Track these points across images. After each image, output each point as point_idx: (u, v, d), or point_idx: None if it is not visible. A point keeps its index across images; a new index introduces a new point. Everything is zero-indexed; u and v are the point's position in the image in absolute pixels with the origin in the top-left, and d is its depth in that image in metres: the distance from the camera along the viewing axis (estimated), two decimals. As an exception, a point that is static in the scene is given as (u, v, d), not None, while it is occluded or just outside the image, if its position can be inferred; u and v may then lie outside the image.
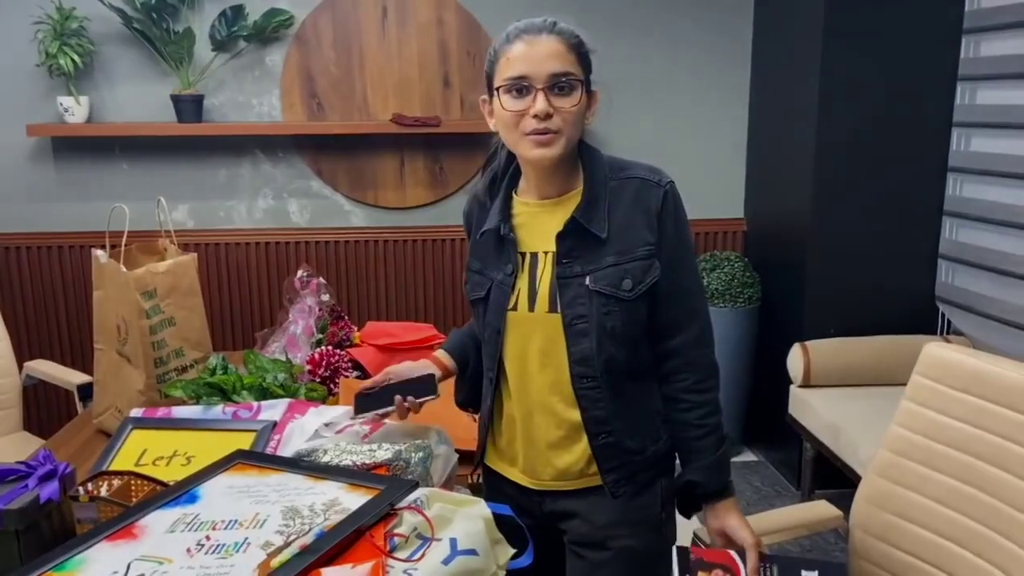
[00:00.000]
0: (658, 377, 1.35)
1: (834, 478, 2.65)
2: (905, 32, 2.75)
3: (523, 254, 1.33)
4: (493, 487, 1.44)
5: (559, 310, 1.28)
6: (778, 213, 3.17)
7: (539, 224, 1.31)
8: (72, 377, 2.37)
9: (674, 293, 1.30)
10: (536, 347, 1.30)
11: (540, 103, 1.21)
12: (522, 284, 1.31)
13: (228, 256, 3.18)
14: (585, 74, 1.25)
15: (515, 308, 1.31)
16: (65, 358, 3.10)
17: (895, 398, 2.67)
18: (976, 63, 2.73)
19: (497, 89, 1.24)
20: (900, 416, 1.50)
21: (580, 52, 1.24)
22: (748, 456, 3.31)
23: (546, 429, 1.33)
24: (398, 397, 1.34)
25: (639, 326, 1.30)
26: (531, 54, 1.21)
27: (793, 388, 2.83)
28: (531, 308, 1.30)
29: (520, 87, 1.22)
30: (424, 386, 1.36)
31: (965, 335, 2.80)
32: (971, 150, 2.77)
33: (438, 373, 1.40)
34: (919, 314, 2.93)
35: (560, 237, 1.28)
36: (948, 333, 2.90)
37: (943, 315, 2.92)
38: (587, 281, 1.26)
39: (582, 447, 1.32)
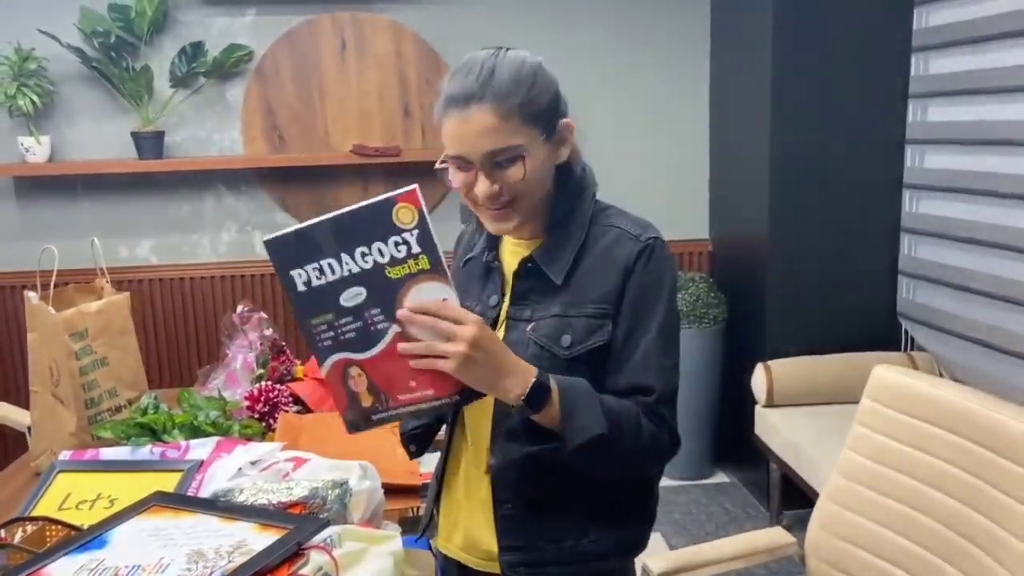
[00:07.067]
0: None
1: (803, 498, 2.63)
2: (856, 51, 2.77)
3: None
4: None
5: None
6: (739, 233, 3.17)
7: (511, 263, 1.21)
8: (24, 418, 2.35)
9: (625, 365, 1.12)
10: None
11: (481, 185, 1.09)
12: None
13: (193, 290, 3.18)
14: (538, 127, 1.10)
15: None
16: (21, 399, 3.07)
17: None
18: (926, 80, 2.74)
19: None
20: (851, 440, 1.48)
21: (524, 111, 1.08)
22: (719, 477, 3.29)
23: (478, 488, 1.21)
24: None
25: None
26: (464, 132, 1.08)
27: (758, 408, 2.82)
28: None
29: (460, 164, 1.11)
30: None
31: (928, 351, 2.79)
32: (925, 167, 2.78)
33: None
34: (882, 331, 2.92)
35: (516, 277, 1.18)
36: (912, 350, 2.89)
37: (906, 332, 2.91)
38: (528, 328, 1.14)
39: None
